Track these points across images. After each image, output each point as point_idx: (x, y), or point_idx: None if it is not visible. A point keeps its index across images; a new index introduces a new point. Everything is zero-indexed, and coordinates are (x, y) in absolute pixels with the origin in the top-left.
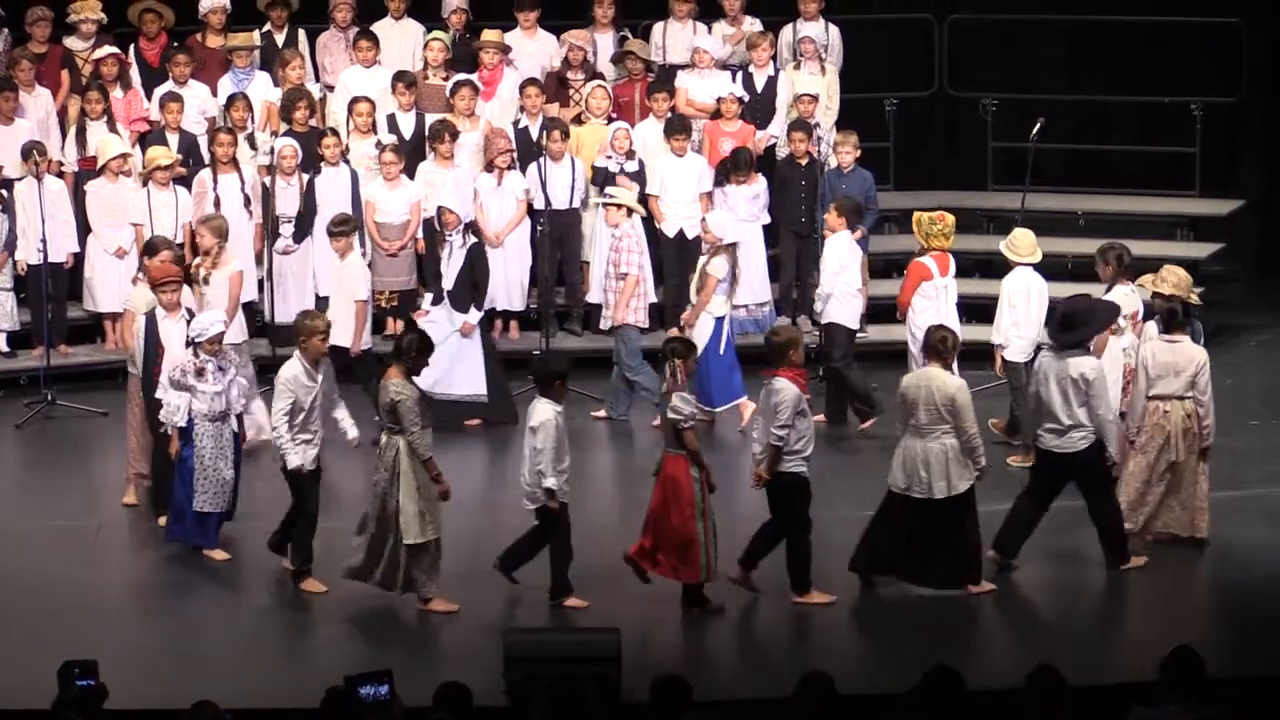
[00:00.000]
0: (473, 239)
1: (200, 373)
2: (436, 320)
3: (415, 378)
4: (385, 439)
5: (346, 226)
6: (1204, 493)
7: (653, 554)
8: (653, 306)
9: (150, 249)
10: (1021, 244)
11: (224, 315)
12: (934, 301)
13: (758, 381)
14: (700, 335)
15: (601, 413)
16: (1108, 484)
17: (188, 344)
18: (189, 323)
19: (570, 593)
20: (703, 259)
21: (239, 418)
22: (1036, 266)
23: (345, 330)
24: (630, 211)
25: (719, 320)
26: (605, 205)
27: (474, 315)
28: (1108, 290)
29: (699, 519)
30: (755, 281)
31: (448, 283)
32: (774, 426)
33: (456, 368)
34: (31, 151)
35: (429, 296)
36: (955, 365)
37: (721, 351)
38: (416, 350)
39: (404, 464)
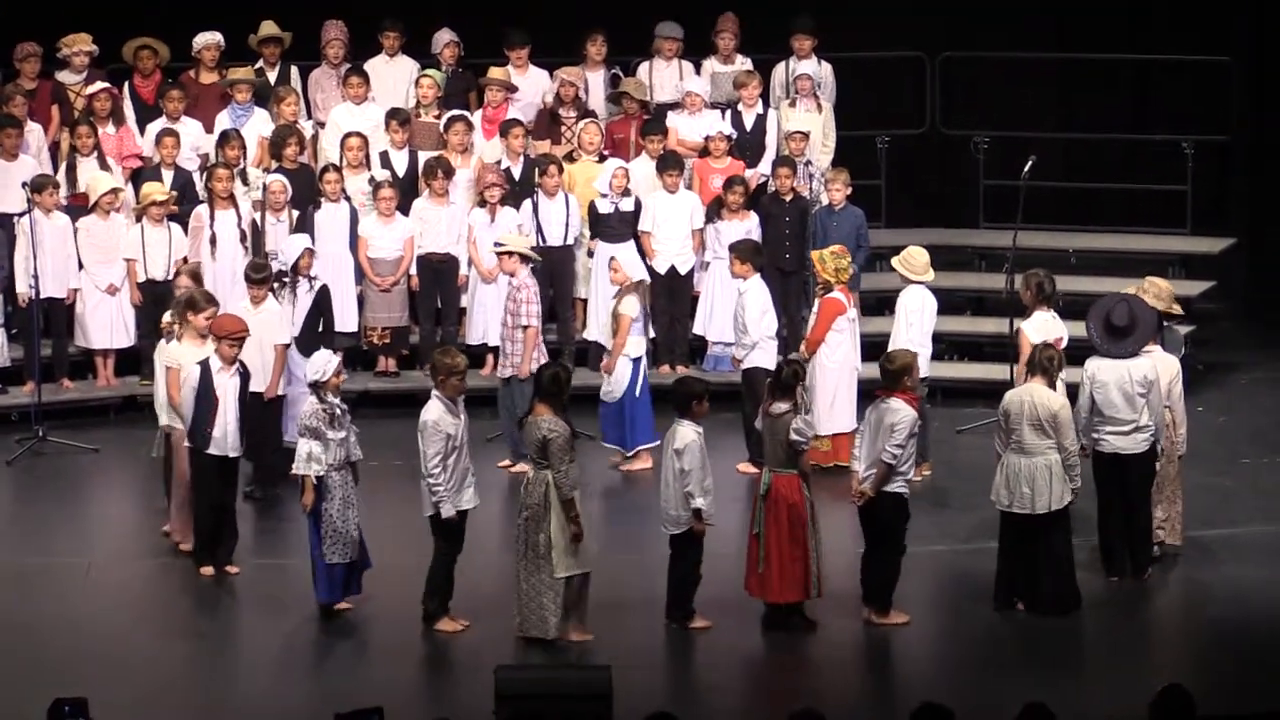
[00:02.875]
0: (320, 282)
1: (332, 419)
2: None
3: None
4: (533, 474)
5: (264, 274)
6: (1181, 503)
7: (766, 580)
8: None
9: (193, 305)
10: (917, 263)
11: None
12: (845, 335)
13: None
14: (619, 378)
15: (506, 462)
16: (1150, 489)
17: (312, 387)
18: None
19: (694, 615)
20: (612, 301)
21: (354, 465)
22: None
23: (265, 376)
24: (525, 259)
25: (636, 361)
26: (499, 255)
27: None
28: (1027, 315)
29: (811, 537)
30: None
31: (295, 329)
32: (889, 445)
33: None
34: (47, 184)
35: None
36: (1060, 383)
37: (638, 394)
38: (565, 384)
39: (554, 498)
